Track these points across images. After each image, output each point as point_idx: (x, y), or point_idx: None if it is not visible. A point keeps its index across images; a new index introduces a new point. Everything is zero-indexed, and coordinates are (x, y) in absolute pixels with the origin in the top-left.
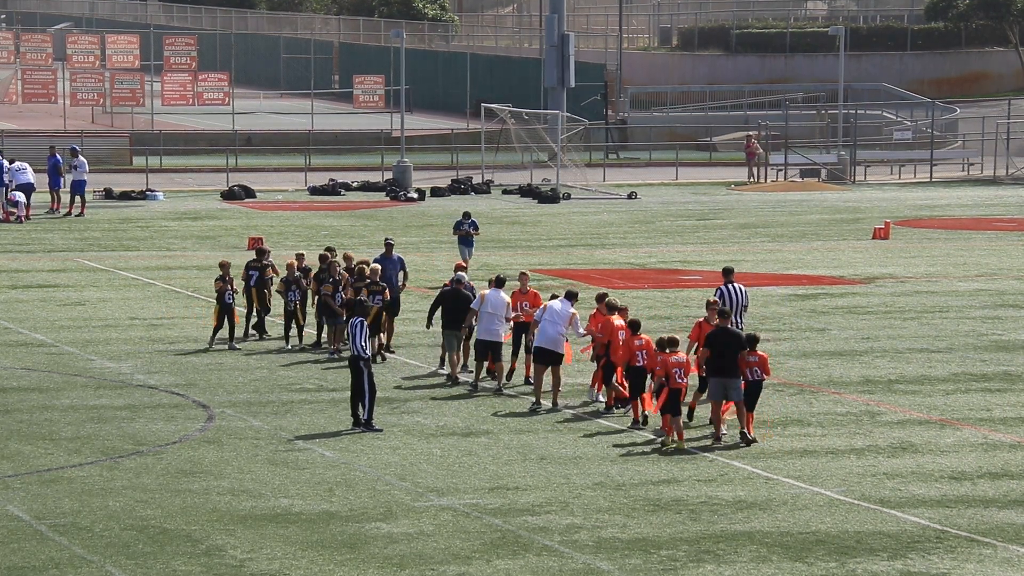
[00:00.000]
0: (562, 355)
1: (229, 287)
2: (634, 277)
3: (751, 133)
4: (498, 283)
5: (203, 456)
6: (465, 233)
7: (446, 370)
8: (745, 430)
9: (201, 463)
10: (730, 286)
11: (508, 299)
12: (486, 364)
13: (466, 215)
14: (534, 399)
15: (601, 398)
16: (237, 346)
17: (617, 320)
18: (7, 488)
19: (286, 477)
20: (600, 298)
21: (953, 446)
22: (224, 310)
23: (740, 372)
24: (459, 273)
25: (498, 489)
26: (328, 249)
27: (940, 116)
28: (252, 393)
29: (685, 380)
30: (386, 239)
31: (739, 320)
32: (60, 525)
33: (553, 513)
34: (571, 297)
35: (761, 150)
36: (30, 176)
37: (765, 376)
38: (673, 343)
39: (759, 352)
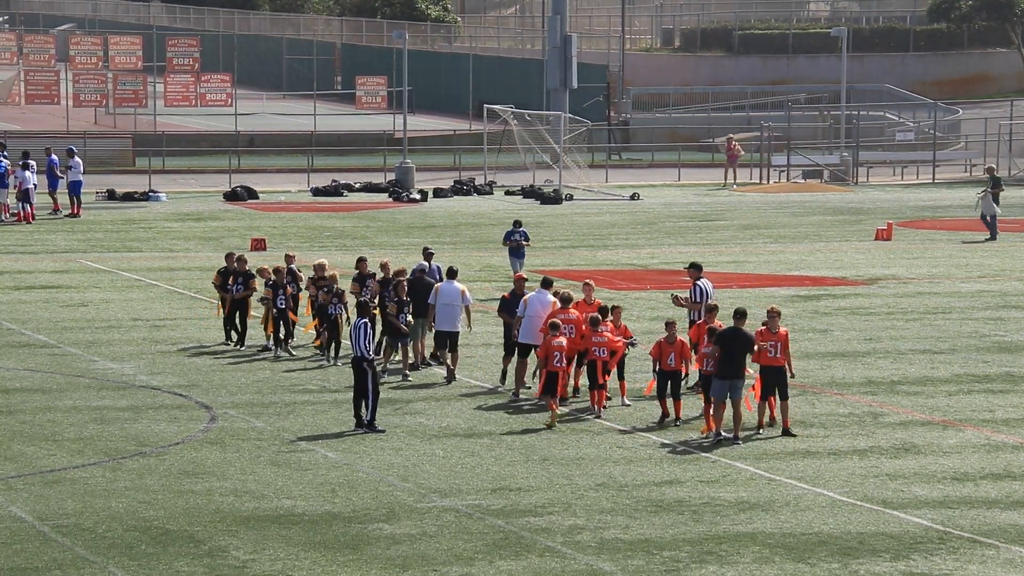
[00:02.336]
0: None
1: (282, 292)
2: (636, 278)
3: (732, 135)
4: (449, 274)
5: (206, 457)
6: (516, 244)
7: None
8: (735, 429)
9: (204, 464)
10: (698, 283)
11: (462, 287)
12: (446, 360)
13: (516, 224)
14: (513, 392)
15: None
16: (283, 353)
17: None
18: (10, 489)
19: (289, 478)
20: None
21: (956, 447)
22: (280, 315)
23: (744, 373)
24: (423, 263)
25: (500, 490)
26: (382, 266)
27: (942, 117)
28: (255, 394)
29: (563, 364)
30: (425, 248)
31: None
32: (63, 526)
33: (555, 514)
34: (547, 285)
35: (742, 152)
36: (35, 179)
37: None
38: (554, 327)
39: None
